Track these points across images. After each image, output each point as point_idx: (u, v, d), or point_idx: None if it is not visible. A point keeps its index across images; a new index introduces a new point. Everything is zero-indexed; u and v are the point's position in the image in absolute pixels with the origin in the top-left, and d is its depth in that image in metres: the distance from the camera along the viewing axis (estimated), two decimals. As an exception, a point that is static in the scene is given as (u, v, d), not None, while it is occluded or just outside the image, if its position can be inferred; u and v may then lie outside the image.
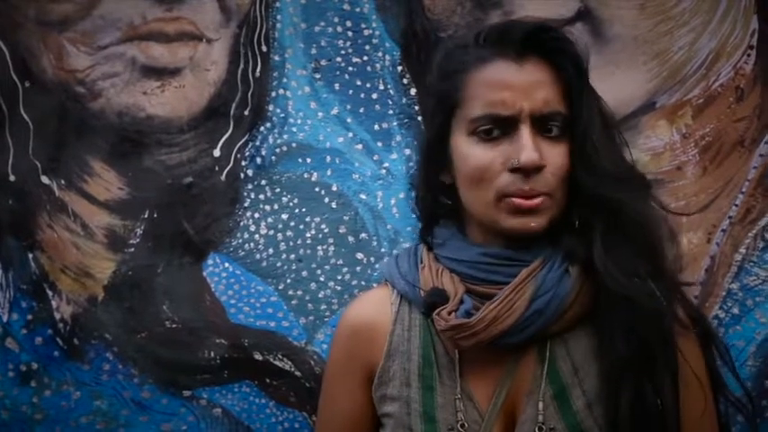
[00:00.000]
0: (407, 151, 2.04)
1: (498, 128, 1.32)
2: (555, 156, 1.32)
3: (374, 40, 2.05)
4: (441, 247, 1.41)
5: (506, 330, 1.32)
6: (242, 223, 2.05)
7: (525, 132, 1.31)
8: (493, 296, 1.33)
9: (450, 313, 1.33)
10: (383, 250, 2.04)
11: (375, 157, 2.05)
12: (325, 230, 2.05)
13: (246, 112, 2.05)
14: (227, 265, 2.06)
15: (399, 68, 2.05)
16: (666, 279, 1.35)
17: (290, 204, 2.06)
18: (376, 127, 2.05)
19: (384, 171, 2.05)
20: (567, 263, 1.34)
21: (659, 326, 1.32)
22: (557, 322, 1.34)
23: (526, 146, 1.30)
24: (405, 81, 2.04)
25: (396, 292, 1.44)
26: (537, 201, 1.31)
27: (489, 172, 1.32)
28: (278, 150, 2.06)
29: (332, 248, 2.05)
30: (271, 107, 2.05)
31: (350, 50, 2.05)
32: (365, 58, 2.05)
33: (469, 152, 1.34)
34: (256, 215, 2.06)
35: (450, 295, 1.35)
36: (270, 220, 2.05)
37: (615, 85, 1.97)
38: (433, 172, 1.42)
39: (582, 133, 1.32)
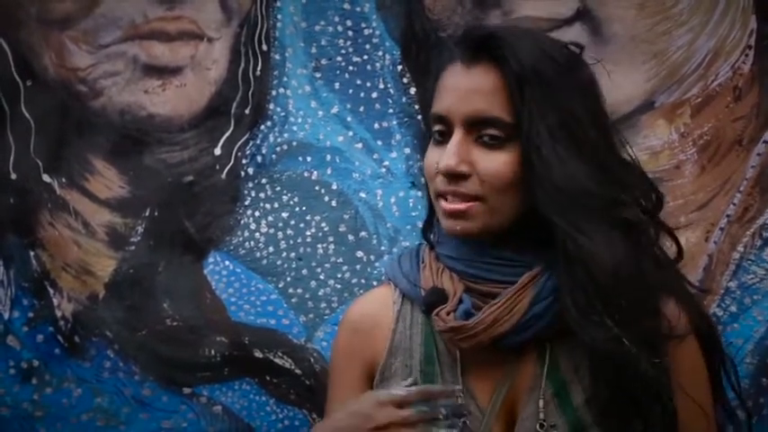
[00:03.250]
0: (407, 150, 2.05)
1: (446, 131, 1.34)
2: (488, 163, 1.31)
3: (374, 40, 2.05)
4: (440, 245, 1.42)
5: (505, 333, 1.32)
6: (242, 221, 2.06)
7: (455, 138, 1.32)
8: (493, 294, 1.34)
9: (448, 313, 1.34)
10: (383, 248, 2.05)
11: (375, 156, 2.06)
12: (326, 229, 2.06)
13: (247, 111, 2.06)
14: (227, 263, 2.06)
15: (399, 68, 2.05)
16: (627, 310, 1.30)
17: (291, 203, 2.06)
18: (376, 126, 2.06)
19: (384, 170, 2.06)
20: None
21: (628, 369, 1.30)
22: (556, 324, 1.35)
23: (447, 151, 1.32)
24: (405, 80, 2.05)
25: (398, 291, 1.45)
26: (462, 206, 1.32)
27: (430, 172, 1.36)
28: (278, 149, 2.07)
29: (332, 247, 2.06)
30: (271, 106, 2.06)
31: (350, 50, 2.06)
32: (365, 57, 2.06)
33: (426, 152, 1.38)
34: (257, 213, 2.06)
35: (450, 294, 1.35)
36: (270, 218, 2.06)
37: (614, 84, 1.95)
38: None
39: (525, 144, 1.30)
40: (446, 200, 1.33)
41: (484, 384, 1.37)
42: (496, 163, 1.31)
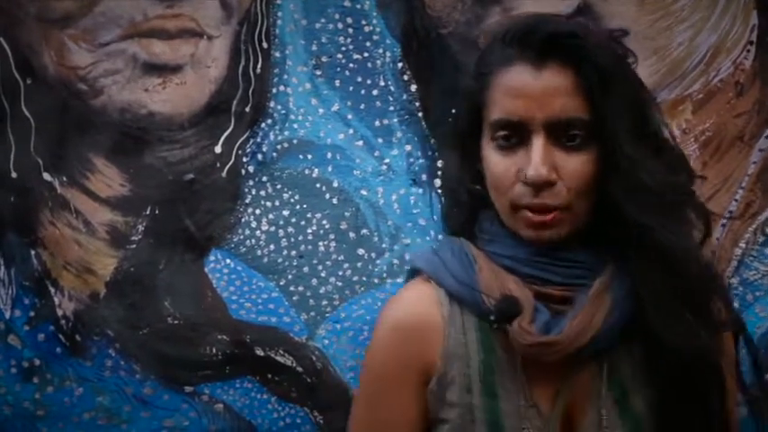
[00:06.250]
0: (408, 147, 2.05)
1: (515, 136, 1.29)
2: (573, 167, 1.28)
3: (375, 37, 2.05)
4: (491, 244, 1.36)
5: (587, 344, 1.29)
6: (243, 219, 2.06)
7: (537, 144, 1.27)
8: (560, 298, 1.31)
9: (529, 324, 1.29)
10: (384, 246, 2.04)
11: (376, 153, 2.06)
12: (327, 226, 2.05)
13: (247, 109, 2.05)
14: (228, 261, 2.06)
15: (400, 65, 2.05)
16: (706, 306, 1.32)
17: (292, 201, 2.06)
18: (377, 123, 2.06)
19: (385, 167, 2.06)
20: (629, 273, 1.31)
21: (704, 367, 1.30)
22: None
23: (535, 160, 1.27)
24: (405, 77, 2.05)
25: (443, 292, 1.37)
26: (548, 216, 1.28)
27: (504, 181, 1.30)
28: (279, 147, 2.06)
29: (333, 244, 2.05)
30: (272, 104, 2.06)
31: (350, 47, 2.05)
32: (366, 54, 2.05)
33: (490, 158, 1.32)
34: (257, 211, 2.06)
35: (523, 303, 1.30)
36: (271, 216, 2.06)
37: (615, 80, 1.97)
38: (470, 162, 1.38)
39: (607, 143, 1.28)
40: (529, 210, 1.29)
41: (544, 392, 1.33)
42: (579, 165, 1.28)
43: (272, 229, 2.06)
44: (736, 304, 1.99)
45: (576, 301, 1.30)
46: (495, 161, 1.31)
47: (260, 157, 2.06)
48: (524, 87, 1.29)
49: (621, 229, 1.29)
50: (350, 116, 2.06)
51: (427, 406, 1.35)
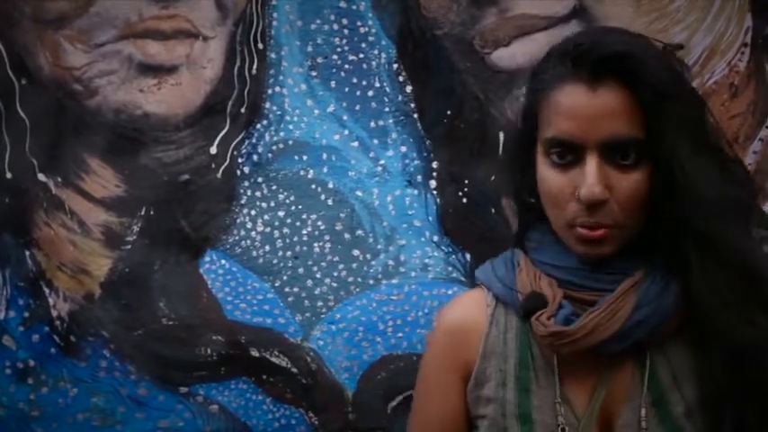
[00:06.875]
0: (403, 148, 2.05)
1: (570, 154, 1.29)
2: (626, 185, 1.29)
3: (370, 38, 2.05)
4: (537, 252, 1.39)
5: (606, 340, 1.30)
6: (239, 220, 2.06)
7: (591, 164, 1.28)
8: (592, 302, 1.32)
9: (549, 318, 1.31)
10: (379, 247, 2.04)
11: (371, 155, 2.06)
12: (322, 227, 2.06)
13: (243, 110, 2.05)
14: (223, 262, 2.06)
15: (395, 66, 2.05)
16: None
17: (287, 201, 2.06)
18: (372, 124, 2.06)
19: (380, 168, 2.06)
20: (668, 276, 1.32)
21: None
22: (656, 332, 1.33)
23: (588, 180, 1.27)
24: (400, 78, 2.05)
25: (491, 295, 1.42)
26: (599, 233, 1.29)
27: (560, 199, 1.31)
28: (274, 147, 2.06)
29: (328, 245, 2.05)
30: (267, 104, 2.06)
31: (346, 48, 2.06)
32: (361, 55, 2.05)
33: (544, 174, 1.33)
34: (253, 212, 2.06)
35: (549, 300, 1.33)
36: (266, 217, 2.06)
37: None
38: (525, 175, 1.39)
39: (664, 160, 1.28)
40: (582, 227, 1.30)
41: (580, 391, 1.35)
42: (633, 183, 1.29)
43: (268, 229, 2.06)
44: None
45: (601, 300, 1.32)
46: (550, 177, 1.32)
47: (255, 157, 2.06)
48: (578, 108, 1.29)
49: (676, 238, 1.30)
50: (345, 117, 2.06)
51: (467, 405, 1.41)
